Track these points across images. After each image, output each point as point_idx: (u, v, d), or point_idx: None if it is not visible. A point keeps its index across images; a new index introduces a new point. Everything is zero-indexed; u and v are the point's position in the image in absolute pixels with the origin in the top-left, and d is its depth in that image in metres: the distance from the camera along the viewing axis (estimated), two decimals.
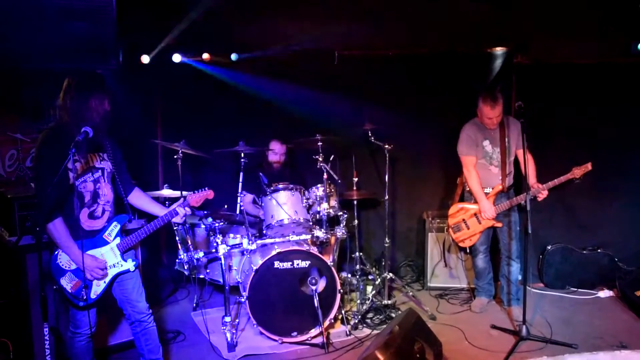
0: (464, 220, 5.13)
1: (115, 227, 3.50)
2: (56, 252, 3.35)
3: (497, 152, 4.98)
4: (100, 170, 3.45)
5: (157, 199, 4.20)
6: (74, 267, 3.34)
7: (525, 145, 4.55)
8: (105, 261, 3.44)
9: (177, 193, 5.15)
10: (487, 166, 5.03)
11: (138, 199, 3.73)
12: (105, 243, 3.47)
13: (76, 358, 3.54)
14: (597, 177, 4.94)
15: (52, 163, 3.10)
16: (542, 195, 4.78)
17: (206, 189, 3.78)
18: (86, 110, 3.27)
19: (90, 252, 3.40)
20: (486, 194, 4.99)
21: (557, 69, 5.63)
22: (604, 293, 5.56)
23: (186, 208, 3.71)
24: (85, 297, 3.36)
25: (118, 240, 3.50)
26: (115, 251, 3.48)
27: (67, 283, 3.35)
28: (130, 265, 3.53)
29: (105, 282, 3.45)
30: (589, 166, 4.69)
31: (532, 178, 4.82)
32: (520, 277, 5.20)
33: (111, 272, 3.47)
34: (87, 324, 3.40)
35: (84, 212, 3.39)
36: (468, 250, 5.27)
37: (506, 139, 4.93)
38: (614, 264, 5.67)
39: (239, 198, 4.87)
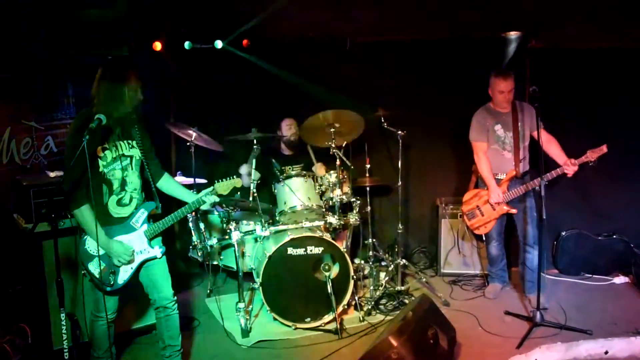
0: (477, 207, 5.09)
1: (142, 214, 3.53)
2: (85, 238, 3.41)
3: (510, 137, 4.92)
4: (129, 158, 3.48)
5: None
6: (101, 252, 3.38)
7: (540, 127, 4.52)
8: (132, 247, 3.48)
9: (189, 180, 5.17)
10: (500, 151, 4.98)
11: (167, 184, 3.76)
12: (133, 230, 3.50)
13: (95, 340, 3.61)
14: (612, 162, 4.88)
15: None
16: (573, 169, 4.64)
17: (234, 177, 3.76)
18: (117, 99, 3.31)
19: (117, 238, 3.44)
20: (499, 180, 4.96)
21: (573, 53, 5.55)
22: (619, 279, 5.53)
23: (214, 196, 3.70)
24: (112, 283, 3.43)
25: (145, 227, 3.53)
26: (142, 238, 3.52)
27: (94, 268, 3.40)
28: (157, 252, 3.56)
29: (132, 268, 3.50)
30: (604, 148, 4.59)
31: (562, 157, 4.73)
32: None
33: (138, 259, 3.51)
34: (111, 307, 3.52)
35: (113, 200, 3.44)
36: (484, 238, 5.23)
37: (519, 123, 4.88)
38: (629, 250, 5.61)
39: (252, 185, 4.87)
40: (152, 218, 3.59)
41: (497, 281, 5.29)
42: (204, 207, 3.76)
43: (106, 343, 3.58)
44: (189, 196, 3.74)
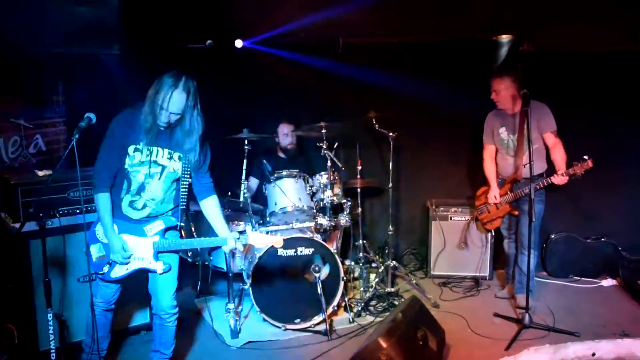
0: (485, 203, 5.14)
1: (159, 225, 3.48)
2: (98, 221, 3.46)
3: (514, 140, 4.84)
4: (160, 167, 3.43)
5: None
6: (105, 241, 3.41)
7: (548, 130, 4.67)
8: (133, 250, 3.43)
9: None
10: (504, 155, 4.97)
11: (209, 208, 3.66)
12: (143, 235, 3.46)
13: (88, 325, 3.60)
14: (601, 166, 4.90)
15: (113, 140, 3.35)
16: (560, 180, 4.58)
17: (279, 234, 3.68)
18: (153, 107, 3.28)
19: (125, 235, 3.43)
20: (503, 181, 4.98)
21: (564, 56, 5.56)
22: (607, 282, 5.57)
23: (242, 244, 3.56)
24: (103, 272, 3.45)
25: (157, 238, 3.47)
26: (149, 247, 3.45)
27: (94, 252, 3.44)
28: (158, 266, 3.48)
29: (127, 269, 3.47)
30: (590, 163, 4.47)
31: (560, 166, 4.64)
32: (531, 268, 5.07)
33: (135, 264, 3.47)
34: (104, 295, 3.56)
35: (126, 199, 3.43)
36: (492, 233, 5.32)
37: (525, 126, 4.62)
38: (617, 253, 5.66)
39: (242, 185, 4.86)
40: (167, 234, 3.54)
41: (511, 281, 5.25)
42: (225, 249, 3.65)
43: (100, 331, 3.56)
44: (222, 230, 3.61)
